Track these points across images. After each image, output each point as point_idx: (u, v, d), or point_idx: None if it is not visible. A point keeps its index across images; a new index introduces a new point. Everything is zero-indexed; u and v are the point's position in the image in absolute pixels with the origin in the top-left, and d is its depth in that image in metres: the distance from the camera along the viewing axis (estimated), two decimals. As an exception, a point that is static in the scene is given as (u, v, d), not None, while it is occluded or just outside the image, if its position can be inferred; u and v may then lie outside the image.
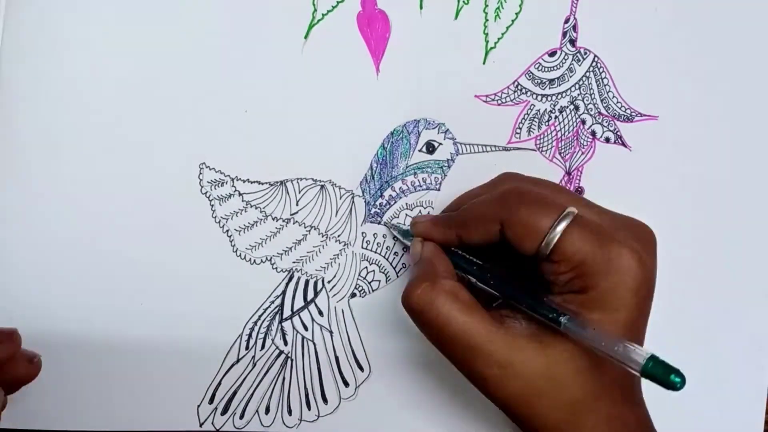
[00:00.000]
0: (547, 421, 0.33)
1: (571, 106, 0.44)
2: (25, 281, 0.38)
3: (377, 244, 0.42)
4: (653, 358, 0.30)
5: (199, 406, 0.41)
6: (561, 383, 0.33)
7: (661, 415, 0.36)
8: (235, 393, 0.41)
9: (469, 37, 0.42)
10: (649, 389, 0.35)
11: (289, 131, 0.40)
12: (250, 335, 0.41)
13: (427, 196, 0.42)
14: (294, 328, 0.42)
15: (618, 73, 0.44)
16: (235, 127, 0.40)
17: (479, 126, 0.43)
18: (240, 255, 0.40)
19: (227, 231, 0.40)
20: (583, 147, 0.44)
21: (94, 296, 0.39)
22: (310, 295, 0.42)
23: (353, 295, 0.42)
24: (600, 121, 0.44)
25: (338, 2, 0.40)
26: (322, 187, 0.41)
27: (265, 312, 0.41)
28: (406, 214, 0.42)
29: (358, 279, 0.42)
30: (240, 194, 0.40)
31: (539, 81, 0.43)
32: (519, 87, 0.43)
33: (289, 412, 0.42)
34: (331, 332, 0.42)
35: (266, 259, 0.41)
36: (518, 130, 0.43)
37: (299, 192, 0.41)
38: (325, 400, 0.42)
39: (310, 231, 0.41)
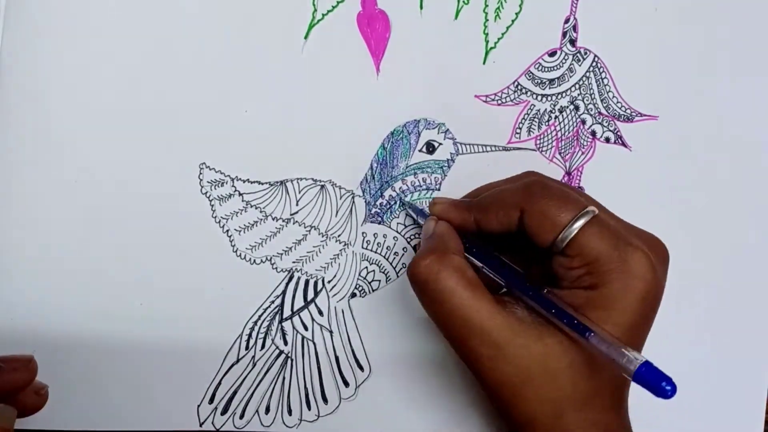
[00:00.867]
0: (534, 413, 0.33)
1: (571, 106, 0.44)
2: (25, 281, 0.38)
3: (377, 244, 0.42)
4: (647, 364, 0.30)
5: (199, 406, 0.41)
6: (553, 375, 0.33)
7: (661, 415, 0.36)
8: (235, 393, 0.41)
9: (469, 37, 0.42)
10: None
11: (289, 131, 0.40)
12: (250, 335, 0.41)
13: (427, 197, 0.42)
14: (294, 328, 0.42)
15: (618, 73, 0.44)
16: (235, 127, 0.40)
17: (479, 126, 0.43)
18: (240, 255, 0.40)
19: (227, 231, 0.40)
20: (583, 147, 0.44)
21: (94, 296, 0.39)
22: (310, 295, 0.42)
23: (353, 295, 0.42)
24: (600, 121, 0.44)
25: (338, 2, 0.40)
26: (322, 187, 0.41)
27: (265, 312, 0.41)
28: (406, 214, 0.42)
29: (358, 279, 0.42)
30: (240, 194, 0.40)
31: (539, 81, 0.43)
32: (519, 87, 0.43)
33: (289, 412, 0.42)
34: (331, 332, 0.42)
35: (266, 259, 0.41)
36: (518, 130, 0.43)
37: (299, 192, 0.41)
38: (325, 400, 0.42)
39: (310, 231, 0.41)
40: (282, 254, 0.41)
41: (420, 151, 0.42)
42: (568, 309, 0.33)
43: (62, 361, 0.39)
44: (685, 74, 0.45)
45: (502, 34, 0.43)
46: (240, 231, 0.40)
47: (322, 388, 0.42)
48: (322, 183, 0.41)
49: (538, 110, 0.43)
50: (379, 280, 0.42)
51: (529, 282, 0.35)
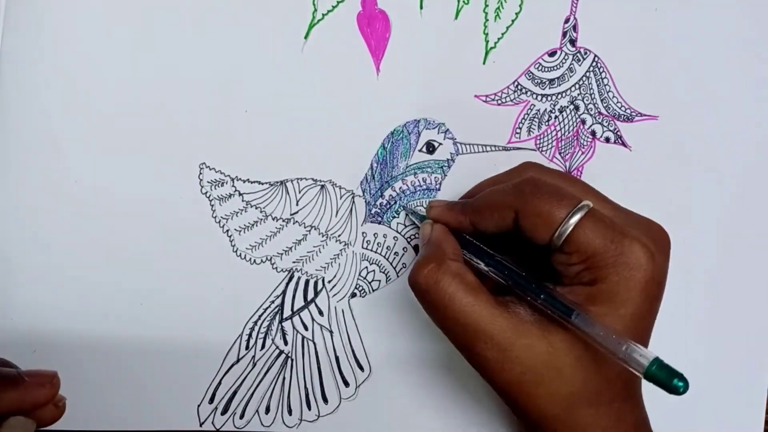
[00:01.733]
0: (545, 410, 0.33)
1: (571, 106, 0.44)
2: (25, 281, 0.38)
3: (377, 244, 0.42)
4: (657, 361, 0.30)
5: (199, 405, 0.41)
6: (561, 372, 0.33)
7: (661, 414, 0.36)
8: (235, 393, 0.41)
9: (469, 36, 0.42)
10: (649, 388, 0.35)
11: (289, 131, 0.40)
12: (250, 335, 0.41)
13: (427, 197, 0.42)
14: (294, 327, 0.42)
15: (618, 73, 0.44)
16: (235, 127, 0.40)
17: (479, 126, 0.43)
18: (240, 255, 0.40)
19: (227, 231, 0.40)
20: (583, 147, 0.44)
21: (94, 296, 0.39)
22: (311, 294, 0.42)
23: (353, 294, 0.42)
24: (600, 120, 0.44)
25: (338, 2, 0.40)
26: (323, 187, 0.41)
27: (265, 312, 0.41)
28: (406, 214, 0.42)
29: (358, 279, 0.42)
30: (240, 194, 0.40)
31: (539, 81, 0.43)
32: (519, 87, 0.43)
33: (290, 412, 0.42)
34: (331, 332, 0.42)
35: (266, 259, 0.41)
36: (518, 130, 0.43)
37: (299, 192, 0.41)
38: (325, 399, 0.42)
39: (310, 231, 0.41)
40: (282, 254, 0.41)
41: (420, 151, 0.42)
42: (570, 303, 0.33)
43: (62, 361, 0.39)
44: (685, 74, 0.45)
45: (502, 34, 0.43)
46: (240, 231, 0.40)
47: (322, 388, 0.42)
48: (322, 183, 0.41)
49: (538, 110, 0.43)
50: (380, 280, 0.42)
51: (530, 279, 0.35)
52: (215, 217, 0.40)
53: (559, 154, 0.44)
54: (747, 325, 0.47)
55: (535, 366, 0.33)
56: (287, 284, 0.41)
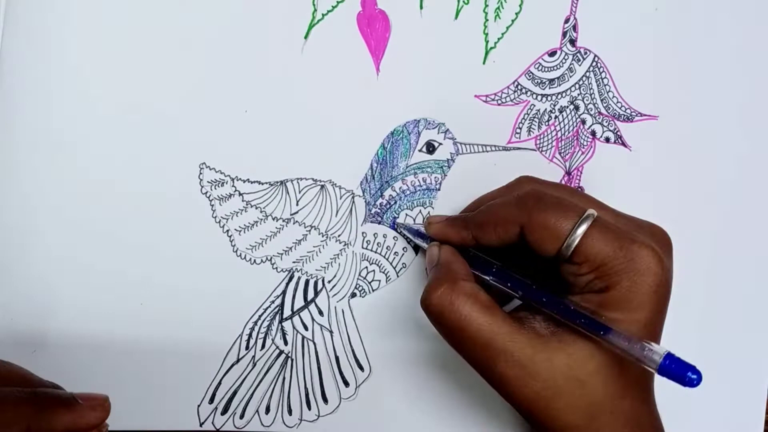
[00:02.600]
0: (567, 422, 0.33)
1: (571, 106, 0.44)
2: (25, 281, 0.38)
3: (377, 244, 0.42)
4: (670, 356, 0.30)
5: (199, 405, 0.41)
6: (581, 382, 0.33)
7: (662, 415, 0.36)
8: (235, 393, 0.41)
9: (469, 37, 0.42)
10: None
11: (289, 131, 0.40)
12: (250, 335, 0.41)
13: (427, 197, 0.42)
14: (294, 327, 0.42)
15: (618, 73, 0.44)
16: (235, 127, 0.40)
17: (479, 126, 0.43)
18: (240, 255, 0.40)
19: (227, 231, 0.40)
20: (583, 147, 0.44)
21: (94, 296, 0.39)
22: (311, 294, 0.42)
23: (353, 294, 0.42)
24: (600, 120, 0.44)
25: (338, 2, 0.40)
26: (322, 187, 0.41)
27: (265, 312, 0.41)
28: (406, 214, 0.42)
29: (358, 279, 0.42)
30: (240, 194, 0.40)
31: (539, 81, 0.43)
32: (519, 87, 0.43)
33: (290, 412, 0.42)
34: (331, 332, 0.42)
35: (266, 258, 0.41)
36: (518, 130, 0.43)
37: (299, 192, 0.41)
38: (325, 399, 0.42)
39: (310, 231, 0.41)
40: (282, 254, 0.41)
41: (420, 150, 0.42)
42: (585, 312, 0.33)
43: (62, 361, 0.39)
44: (685, 74, 0.45)
45: (502, 34, 0.43)
46: (240, 231, 0.40)
47: (322, 388, 0.42)
48: (322, 183, 0.41)
49: (538, 110, 0.43)
50: (379, 280, 0.42)
51: (543, 290, 0.35)
52: (215, 217, 0.40)
53: (559, 154, 0.44)
54: (747, 325, 0.47)
55: (556, 379, 0.33)
56: (287, 284, 0.41)
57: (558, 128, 0.44)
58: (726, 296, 0.46)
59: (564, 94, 0.44)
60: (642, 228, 0.35)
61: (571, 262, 0.34)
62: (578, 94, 0.44)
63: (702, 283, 0.46)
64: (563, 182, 0.44)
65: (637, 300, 0.33)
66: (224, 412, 0.41)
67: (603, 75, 0.44)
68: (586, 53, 0.44)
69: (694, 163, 0.46)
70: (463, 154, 0.43)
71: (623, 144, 0.45)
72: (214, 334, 0.41)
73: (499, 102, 0.43)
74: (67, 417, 0.32)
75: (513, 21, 0.43)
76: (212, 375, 0.41)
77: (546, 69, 0.43)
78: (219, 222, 0.40)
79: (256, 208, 0.40)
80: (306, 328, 0.42)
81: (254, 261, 0.41)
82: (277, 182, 0.41)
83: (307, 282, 0.42)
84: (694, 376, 0.30)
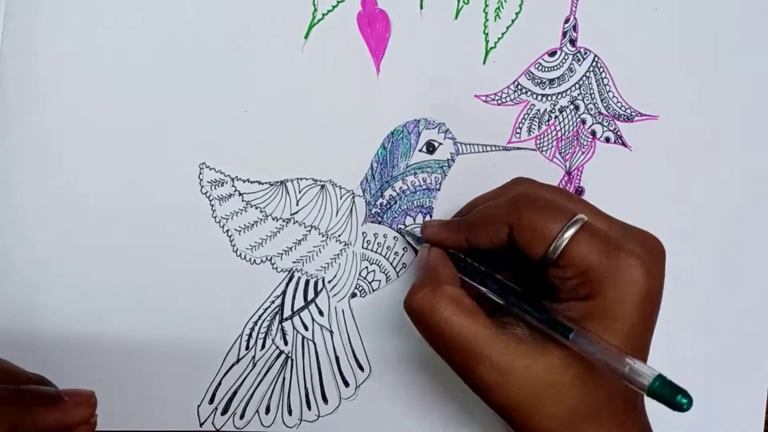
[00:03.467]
0: (546, 429, 0.33)
1: (571, 106, 0.44)
2: (25, 281, 0.38)
3: (378, 244, 0.42)
4: (660, 378, 0.29)
5: (199, 406, 0.41)
6: (560, 390, 0.33)
7: (661, 415, 0.36)
8: (235, 393, 0.41)
9: (469, 36, 0.42)
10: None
11: (289, 131, 0.40)
12: (250, 335, 0.41)
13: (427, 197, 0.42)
14: (294, 328, 0.42)
15: (618, 72, 0.44)
16: (235, 127, 0.40)
17: (479, 126, 0.43)
18: (240, 255, 0.40)
19: (227, 231, 0.40)
20: (583, 147, 0.44)
21: (94, 296, 0.39)
22: (311, 295, 0.42)
23: (354, 295, 0.42)
24: (600, 120, 0.44)
25: (338, 2, 0.40)
26: (323, 186, 0.41)
27: (265, 312, 0.41)
28: (413, 220, 0.42)
29: (358, 279, 0.42)
30: (240, 194, 0.40)
31: (539, 81, 0.43)
32: (519, 87, 0.43)
33: (290, 412, 0.42)
34: (331, 332, 0.42)
35: (266, 259, 0.41)
36: (518, 130, 0.43)
37: (299, 192, 0.41)
38: (325, 400, 0.42)
39: (310, 231, 0.41)
40: (282, 254, 0.41)
41: (420, 150, 0.42)
42: (567, 321, 0.33)
43: (62, 361, 0.39)
44: (685, 74, 0.45)
45: (502, 34, 0.43)
46: (240, 231, 0.40)
47: (322, 388, 0.42)
48: (323, 183, 0.41)
49: (538, 110, 0.43)
50: (380, 280, 0.42)
51: (527, 297, 0.35)
52: (215, 217, 0.40)
53: (559, 153, 0.44)
54: (747, 325, 0.47)
55: (535, 386, 0.33)
56: (287, 284, 0.41)
57: (558, 128, 0.44)
58: (726, 296, 0.47)
59: (564, 94, 0.44)
60: (635, 236, 0.35)
61: (557, 265, 0.33)
62: (578, 94, 0.44)
63: (702, 282, 0.46)
64: (563, 182, 0.44)
65: (621, 309, 0.32)
66: (224, 412, 0.41)
67: (603, 75, 0.44)
68: (586, 53, 0.44)
69: (694, 163, 0.46)
70: (463, 154, 0.43)
71: (623, 144, 0.45)
72: (214, 334, 0.41)
73: (500, 102, 0.43)
74: (53, 414, 0.31)
75: (513, 21, 0.43)
76: (212, 375, 0.41)
77: (546, 69, 0.43)
78: (219, 222, 0.40)
79: (256, 208, 0.40)
80: (306, 328, 0.42)
81: (254, 261, 0.41)
82: (277, 182, 0.41)
83: (307, 282, 0.42)
84: (685, 401, 0.29)
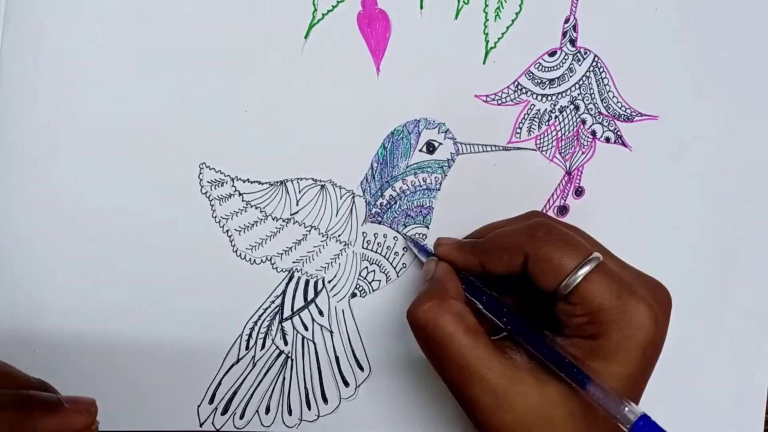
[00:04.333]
0: None
1: (572, 106, 0.44)
2: (25, 281, 0.38)
3: (378, 244, 0.42)
4: (645, 418, 0.30)
5: (199, 406, 0.41)
6: (552, 423, 0.33)
7: (661, 415, 0.36)
8: (235, 393, 0.41)
9: (469, 36, 0.42)
10: (649, 386, 0.35)
11: (289, 131, 0.40)
12: (250, 335, 0.41)
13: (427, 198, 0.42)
14: (294, 328, 0.42)
15: (618, 72, 0.44)
16: (235, 127, 0.40)
17: (479, 126, 0.43)
18: (240, 255, 0.40)
19: (227, 231, 0.40)
20: (583, 147, 0.44)
21: (94, 296, 0.39)
22: (311, 295, 0.42)
23: (353, 295, 0.42)
24: (600, 120, 0.44)
25: (338, 2, 0.40)
26: (323, 186, 0.41)
27: (265, 312, 0.41)
28: (407, 215, 0.42)
29: (358, 279, 0.42)
30: (240, 194, 0.40)
31: (539, 81, 0.43)
32: (519, 87, 0.43)
33: (290, 412, 0.42)
34: (331, 332, 0.42)
35: (266, 259, 0.41)
36: (518, 130, 0.43)
37: (299, 192, 0.41)
38: (325, 399, 0.42)
39: (310, 231, 0.41)
40: (282, 254, 0.41)
41: (420, 150, 0.42)
42: (568, 357, 0.33)
43: (62, 361, 0.39)
44: (685, 74, 0.45)
45: (502, 33, 0.43)
46: (240, 231, 0.40)
47: (322, 388, 0.42)
48: (323, 183, 0.41)
49: (538, 110, 0.43)
50: (380, 280, 0.42)
51: (531, 327, 0.35)
52: (215, 217, 0.40)
53: (560, 153, 0.44)
54: (747, 325, 0.47)
55: (527, 415, 0.33)
56: (287, 284, 0.41)
57: (558, 128, 0.44)
58: (726, 296, 0.47)
59: (564, 94, 0.44)
60: (646, 284, 0.35)
61: (567, 301, 0.33)
62: (578, 94, 0.44)
63: (702, 282, 0.46)
64: (563, 182, 0.44)
65: (624, 354, 0.32)
66: (224, 412, 0.41)
67: (603, 75, 0.44)
68: (586, 53, 0.44)
69: (694, 163, 0.46)
70: (464, 153, 0.43)
71: (623, 144, 0.45)
72: (214, 334, 0.41)
73: (500, 102, 0.43)
74: (52, 421, 0.31)
75: (513, 21, 0.43)
76: (212, 375, 0.41)
77: (546, 69, 0.43)
78: (219, 222, 0.40)
79: (256, 208, 0.40)
80: (306, 328, 0.42)
81: (254, 261, 0.41)
82: (277, 182, 0.41)
83: (307, 282, 0.42)
84: None
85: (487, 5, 0.42)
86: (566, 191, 0.44)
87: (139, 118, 0.39)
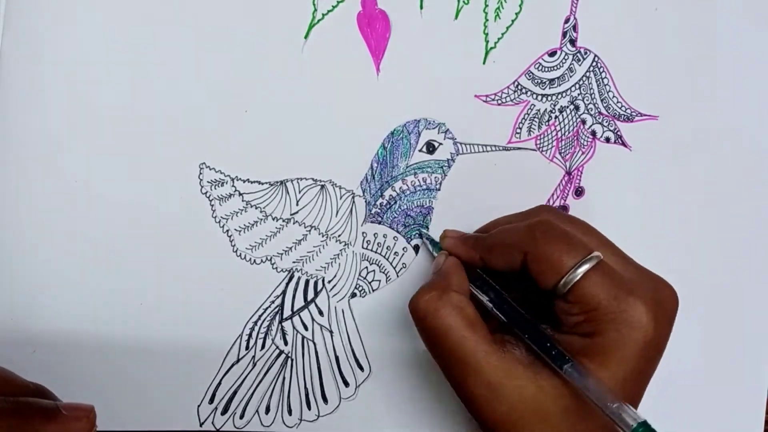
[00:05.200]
0: None
1: (572, 106, 0.44)
2: (25, 281, 0.38)
3: (377, 244, 0.42)
4: (644, 425, 0.30)
5: (199, 405, 0.41)
6: (547, 418, 0.33)
7: (662, 415, 0.36)
8: (235, 393, 0.41)
9: (469, 36, 0.42)
10: (651, 387, 0.35)
11: (289, 131, 0.40)
12: (250, 335, 0.41)
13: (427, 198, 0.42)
14: (294, 327, 0.42)
15: (618, 72, 0.44)
16: (235, 127, 0.40)
17: (479, 126, 0.43)
18: (240, 255, 0.40)
19: (227, 231, 0.40)
20: (583, 147, 0.44)
21: (94, 296, 0.39)
22: (311, 294, 0.42)
23: (353, 295, 0.42)
24: (600, 120, 0.44)
25: (338, 2, 0.40)
26: (323, 187, 0.41)
27: (265, 312, 0.41)
28: (407, 215, 0.42)
29: (358, 279, 0.42)
30: (240, 194, 0.40)
31: (539, 81, 0.43)
32: (519, 87, 0.43)
33: (289, 412, 0.42)
34: (331, 332, 0.42)
35: (266, 258, 0.41)
36: (518, 130, 0.43)
37: (299, 192, 0.41)
38: (325, 399, 0.42)
39: (310, 231, 0.41)
40: (282, 254, 0.41)
41: (420, 150, 0.42)
42: (567, 354, 0.33)
43: (62, 360, 0.39)
44: (685, 74, 0.45)
45: (502, 34, 0.43)
46: (240, 231, 0.40)
47: (322, 388, 0.42)
48: (322, 183, 0.41)
49: (538, 110, 0.43)
50: (380, 280, 0.42)
51: (533, 323, 0.35)
52: (215, 217, 0.40)
53: (560, 154, 0.44)
54: (747, 325, 0.47)
55: (522, 409, 0.33)
56: (287, 284, 0.41)
57: (558, 128, 0.44)
58: (726, 296, 0.47)
59: (564, 94, 0.44)
60: (650, 282, 0.35)
61: (565, 300, 0.33)
62: (578, 94, 0.44)
63: (702, 282, 0.46)
64: (563, 182, 0.44)
65: (620, 353, 0.32)
66: (224, 412, 0.41)
67: (603, 75, 0.44)
68: (586, 53, 0.44)
69: (694, 163, 0.46)
70: (464, 154, 0.43)
71: (623, 144, 0.45)
72: (214, 334, 0.41)
73: (499, 102, 0.43)
74: (51, 428, 0.31)
75: (513, 21, 0.43)
76: (212, 375, 0.41)
77: (546, 69, 0.43)
78: (219, 222, 0.40)
79: (256, 208, 0.40)
80: (306, 328, 0.42)
81: (254, 261, 0.41)
82: (277, 182, 0.41)
83: (307, 282, 0.42)
84: None
85: (487, 5, 0.42)
86: (566, 191, 0.44)
87: (139, 118, 0.39)
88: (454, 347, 0.34)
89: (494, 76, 0.43)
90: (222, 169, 0.40)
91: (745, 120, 0.46)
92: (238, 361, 0.41)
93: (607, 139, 0.45)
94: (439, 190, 0.42)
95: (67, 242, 0.39)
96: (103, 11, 0.38)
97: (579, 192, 0.44)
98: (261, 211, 0.41)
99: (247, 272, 0.41)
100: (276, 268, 0.41)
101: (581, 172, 0.44)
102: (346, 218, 0.42)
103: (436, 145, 0.42)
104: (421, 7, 0.41)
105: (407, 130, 0.42)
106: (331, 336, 0.42)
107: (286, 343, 0.42)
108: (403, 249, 0.42)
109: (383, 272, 0.42)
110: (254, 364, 0.41)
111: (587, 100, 0.44)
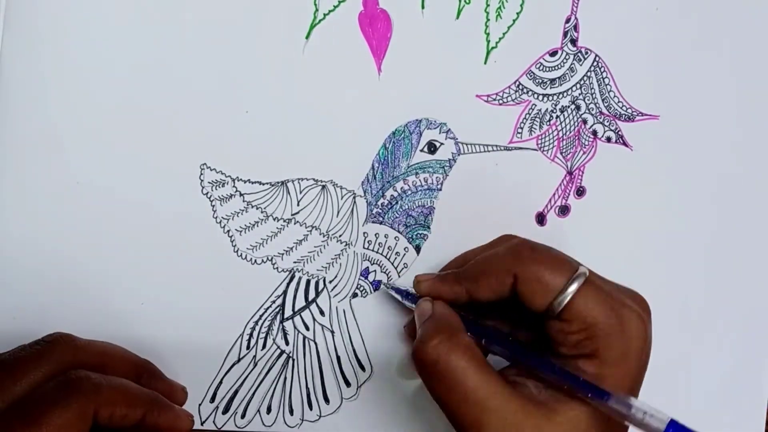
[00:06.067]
0: None
1: (573, 106, 0.44)
2: (25, 280, 0.38)
3: (379, 244, 0.42)
4: (673, 424, 0.30)
5: (200, 405, 0.41)
6: None
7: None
8: (236, 392, 0.41)
9: (470, 36, 0.42)
10: (649, 387, 0.35)
11: (290, 131, 0.40)
12: (251, 335, 0.41)
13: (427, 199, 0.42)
14: (295, 327, 0.42)
15: (619, 72, 0.44)
16: (236, 127, 0.40)
17: (481, 126, 0.43)
18: (241, 255, 0.40)
19: (228, 231, 0.40)
20: (584, 147, 0.44)
21: (95, 296, 0.39)
22: (312, 295, 0.42)
23: (354, 295, 0.42)
24: (601, 120, 0.44)
25: (340, 2, 0.40)
26: (324, 187, 0.41)
27: (266, 312, 0.41)
28: (408, 215, 0.42)
29: (359, 279, 0.42)
30: (241, 194, 0.40)
31: (540, 80, 0.43)
32: (520, 87, 0.43)
33: (291, 412, 0.42)
34: (332, 332, 0.42)
35: (267, 259, 0.41)
36: (519, 130, 0.43)
37: (300, 192, 0.41)
38: (326, 399, 0.42)
39: (311, 231, 0.41)
40: (283, 254, 0.41)
41: (421, 150, 0.42)
42: (582, 376, 0.33)
43: (63, 361, 0.39)
44: (686, 74, 0.45)
45: (504, 33, 0.42)
46: (241, 231, 0.40)
47: (323, 387, 0.42)
48: (324, 183, 0.41)
49: (540, 110, 0.43)
50: (380, 281, 0.42)
51: (540, 354, 0.34)
52: (216, 218, 0.40)
53: (561, 153, 0.44)
54: (747, 325, 0.47)
55: None
56: (288, 284, 0.41)
57: (559, 128, 0.44)
58: (726, 295, 0.47)
59: (565, 94, 0.44)
60: (627, 290, 0.35)
61: (560, 319, 0.33)
62: (579, 94, 0.44)
63: (702, 282, 0.46)
64: (564, 182, 0.44)
65: (626, 364, 0.33)
66: (225, 411, 0.41)
67: (604, 75, 0.44)
68: (587, 53, 0.44)
69: (695, 162, 0.46)
70: (465, 154, 0.43)
71: (624, 144, 0.45)
72: (215, 334, 0.41)
73: (501, 102, 0.43)
74: (165, 420, 0.34)
75: (514, 21, 0.42)
76: (213, 374, 0.41)
77: (547, 69, 0.43)
78: (220, 222, 0.40)
79: (257, 208, 0.40)
80: (307, 328, 0.42)
81: (255, 261, 0.41)
82: (278, 182, 0.41)
83: (308, 282, 0.42)
84: None
85: (488, 5, 0.42)
86: (567, 191, 0.44)
87: (139, 119, 0.39)
88: (471, 392, 0.32)
89: (495, 76, 0.43)
90: (223, 170, 0.40)
91: (745, 120, 0.46)
92: (239, 360, 0.41)
93: (609, 139, 0.45)
94: (440, 190, 0.42)
95: (68, 243, 0.39)
96: (104, 11, 0.38)
97: (580, 192, 0.44)
98: (262, 212, 0.40)
99: (248, 272, 0.41)
100: (277, 268, 0.41)
101: (582, 172, 0.44)
102: (347, 218, 0.42)
103: (438, 145, 0.42)
104: (423, 7, 0.41)
105: (408, 130, 0.42)
106: (333, 336, 0.42)
107: (287, 343, 0.42)
108: (405, 249, 0.42)
109: (384, 272, 0.42)
110: (255, 364, 0.41)
111: (588, 100, 0.44)
